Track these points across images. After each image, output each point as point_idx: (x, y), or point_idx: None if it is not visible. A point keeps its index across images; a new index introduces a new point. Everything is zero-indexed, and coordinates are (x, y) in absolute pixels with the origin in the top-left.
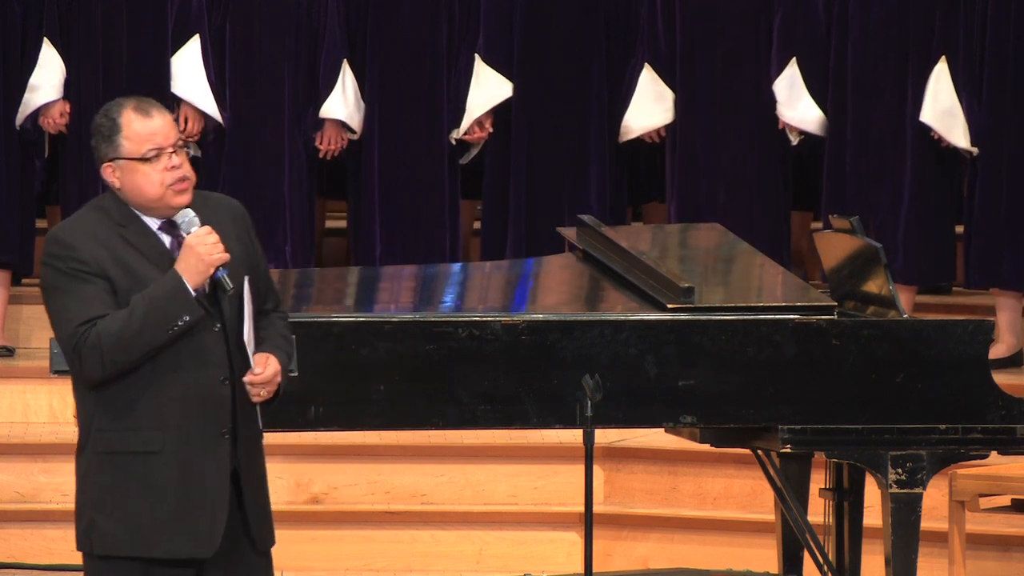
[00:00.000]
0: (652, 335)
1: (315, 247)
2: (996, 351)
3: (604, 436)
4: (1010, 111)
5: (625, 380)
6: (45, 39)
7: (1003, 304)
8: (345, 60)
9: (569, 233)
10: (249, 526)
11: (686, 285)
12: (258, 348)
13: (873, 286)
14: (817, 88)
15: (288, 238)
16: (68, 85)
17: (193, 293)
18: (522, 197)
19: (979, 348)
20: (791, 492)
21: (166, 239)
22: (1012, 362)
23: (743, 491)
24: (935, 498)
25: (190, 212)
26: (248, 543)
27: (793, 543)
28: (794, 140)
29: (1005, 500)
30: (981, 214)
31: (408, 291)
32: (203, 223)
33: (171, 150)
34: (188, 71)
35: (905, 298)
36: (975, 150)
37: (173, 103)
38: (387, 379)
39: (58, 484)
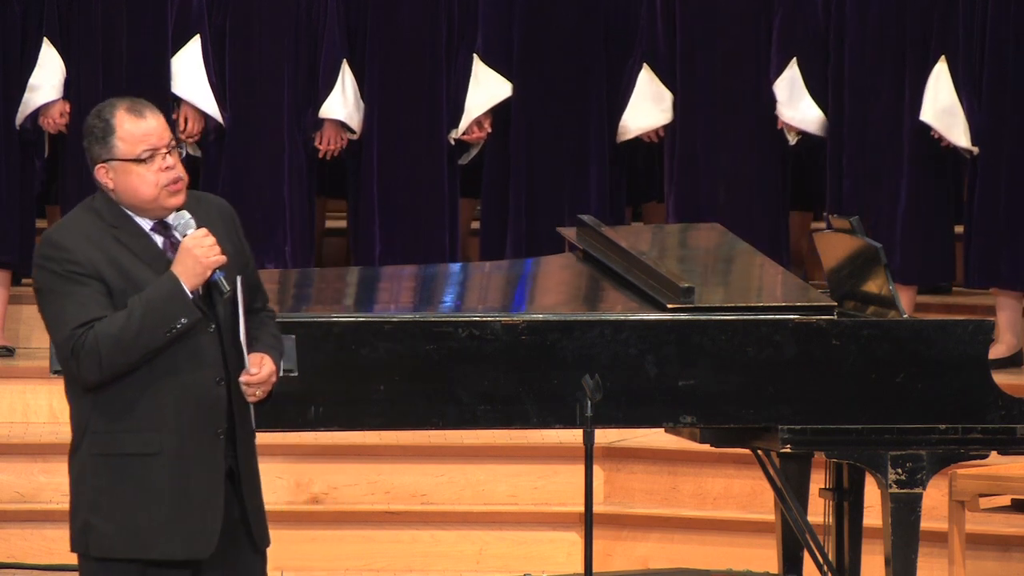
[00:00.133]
0: (652, 335)
1: (315, 247)
2: (996, 351)
3: (604, 436)
4: (1010, 111)
5: (625, 380)
6: (45, 39)
7: (1003, 304)
8: (345, 60)
9: (569, 233)
10: (248, 525)
11: (686, 285)
12: (251, 348)
13: (873, 286)
14: (817, 88)
15: (288, 238)
16: (68, 85)
17: (190, 295)
18: (522, 197)
19: (979, 348)
20: (791, 492)
21: (159, 240)
22: (1012, 362)
23: (743, 491)
24: (935, 498)
25: (186, 214)
26: (245, 542)
27: (793, 543)
28: (792, 140)
29: (1005, 500)
30: (981, 214)
31: (408, 291)
32: (198, 225)
33: (165, 151)
34: (189, 71)
35: (906, 298)
36: (975, 149)
37: (173, 103)
38: (387, 379)
39: (58, 484)
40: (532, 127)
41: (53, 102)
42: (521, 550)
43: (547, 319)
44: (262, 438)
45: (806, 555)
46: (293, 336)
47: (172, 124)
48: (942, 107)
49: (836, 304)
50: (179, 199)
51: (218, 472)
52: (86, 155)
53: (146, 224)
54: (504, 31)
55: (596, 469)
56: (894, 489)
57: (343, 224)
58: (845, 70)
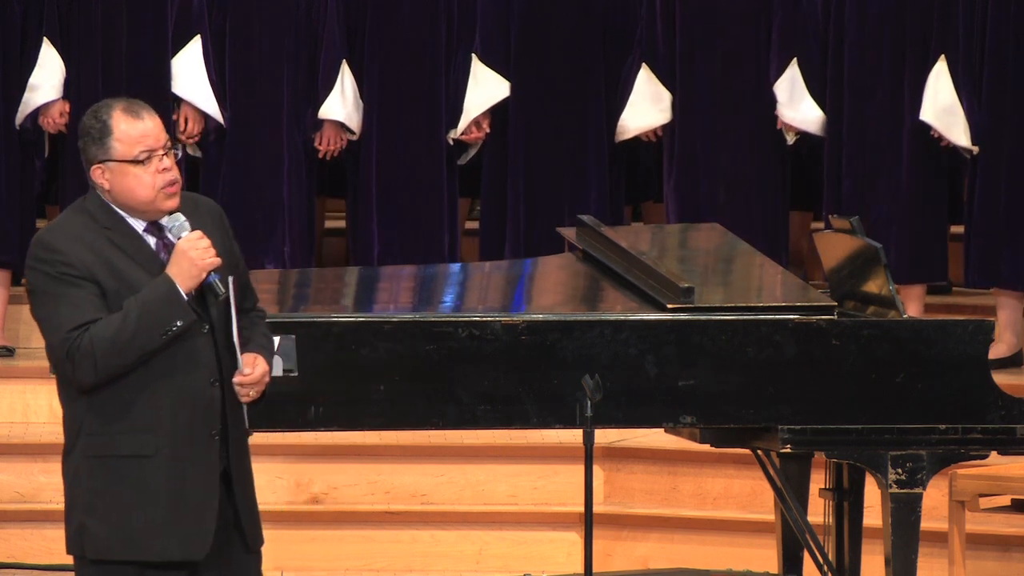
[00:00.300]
0: (652, 335)
1: (314, 247)
2: (996, 351)
3: (604, 436)
4: (1010, 111)
5: (625, 380)
6: (45, 39)
7: (1003, 304)
8: (344, 60)
9: (569, 233)
10: (241, 525)
11: (686, 285)
12: (244, 348)
13: (873, 286)
14: (817, 89)
15: (287, 238)
16: (68, 85)
17: (185, 298)
18: (521, 197)
19: (979, 348)
20: (791, 492)
21: (152, 241)
22: (1012, 362)
23: (743, 491)
24: (935, 498)
25: (181, 216)
26: (240, 542)
27: (793, 543)
28: (790, 140)
29: (1005, 500)
30: (981, 214)
31: (408, 291)
32: (192, 227)
33: (162, 152)
34: (189, 71)
35: (915, 299)
36: (975, 148)
37: (173, 103)
38: (387, 379)
39: (58, 484)
40: (531, 127)
41: (53, 102)
42: (521, 550)
43: (547, 319)
44: (262, 438)
45: (806, 555)
46: (293, 336)
47: (172, 124)
48: (942, 107)
49: (836, 304)
50: (175, 201)
51: (213, 473)
52: (81, 156)
53: (139, 225)
54: (503, 31)
55: (596, 469)
56: (894, 489)
57: (342, 224)
58: (845, 70)
